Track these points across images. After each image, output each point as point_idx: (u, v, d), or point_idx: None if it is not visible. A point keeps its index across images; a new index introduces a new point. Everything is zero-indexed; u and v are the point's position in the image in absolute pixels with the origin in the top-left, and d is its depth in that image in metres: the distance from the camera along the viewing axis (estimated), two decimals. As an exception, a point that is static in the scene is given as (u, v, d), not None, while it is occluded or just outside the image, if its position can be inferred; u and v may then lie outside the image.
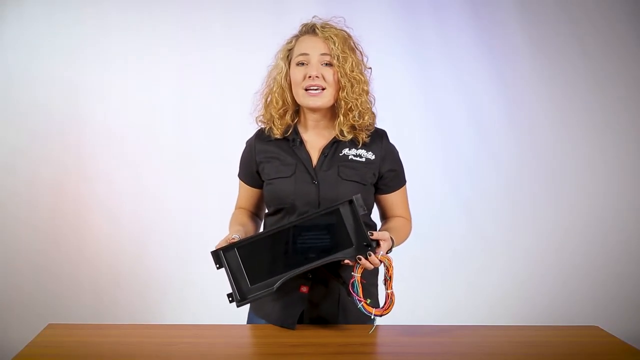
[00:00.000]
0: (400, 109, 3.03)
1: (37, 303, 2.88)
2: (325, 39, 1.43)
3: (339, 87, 1.44)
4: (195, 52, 2.97)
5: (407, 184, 1.58)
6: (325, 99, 1.44)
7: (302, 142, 1.49)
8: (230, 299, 1.33)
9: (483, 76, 3.12)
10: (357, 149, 1.48)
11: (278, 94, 1.47)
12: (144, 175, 2.97)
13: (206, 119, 2.99)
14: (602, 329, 1.50)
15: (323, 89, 1.43)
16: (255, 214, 1.62)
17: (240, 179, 1.60)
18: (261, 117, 1.54)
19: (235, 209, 1.63)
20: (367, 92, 1.47)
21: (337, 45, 1.42)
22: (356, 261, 1.32)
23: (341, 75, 1.42)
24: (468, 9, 3.08)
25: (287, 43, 1.49)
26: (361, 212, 1.32)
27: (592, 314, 2.99)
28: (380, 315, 1.34)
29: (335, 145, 1.48)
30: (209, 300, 2.81)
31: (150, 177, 2.97)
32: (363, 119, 1.46)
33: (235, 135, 2.85)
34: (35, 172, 2.90)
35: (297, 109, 1.52)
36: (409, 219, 1.58)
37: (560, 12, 3.11)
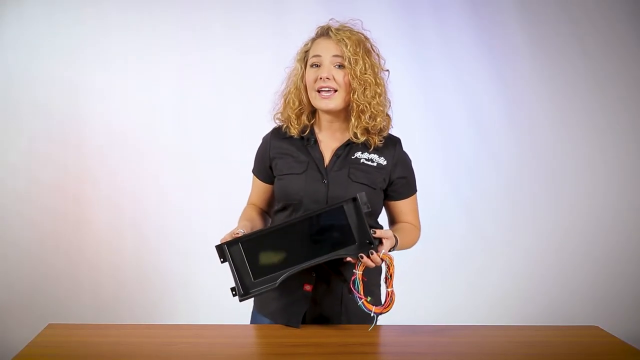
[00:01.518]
0: (400, 109, 3.01)
1: (37, 303, 2.88)
2: (338, 41, 1.44)
3: (351, 89, 1.44)
4: (195, 52, 2.97)
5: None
6: (336, 101, 1.45)
7: (316, 141, 1.50)
8: (234, 293, 1.34)
9: (483, 76, 3.12)
10: (370, 153, 1.49)
11: (294, 94, 1.49)
12: (144, 175, 2.97)
13: (206, 118, 2.99)
14: (602, 329, 1.50)
15: (335, 91, 1.44)
16: (265, 211, 1.63)
17: (253, 174, 1.62)
18: (279, 114, 1.55)
19: (247, 204, 1.64)
20: (381, 95, 1.47)
21: (349, 47, 1.42)
22: (358, 259, 1.32)
23: (352, 78, 1.43)
24: (468, 9, 3.08)
25: (304, 45, 1.51)
26: (365, 209, 1.32)
27: (592, 314, 2.99)
28: (380, 313, 1.34)
29: (348, 147, 1.49)
30: (211, 300, 2.82)
31: (150, 177, 2.97)
32: (375, 122, 1.46)
33: (235, 135, 2.87)
34: (35, 172, 2.90)
35: (314, 110, 1.53)
36: (417, 227, 1.58)
37: (560, 12, 3.11)
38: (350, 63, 1.42)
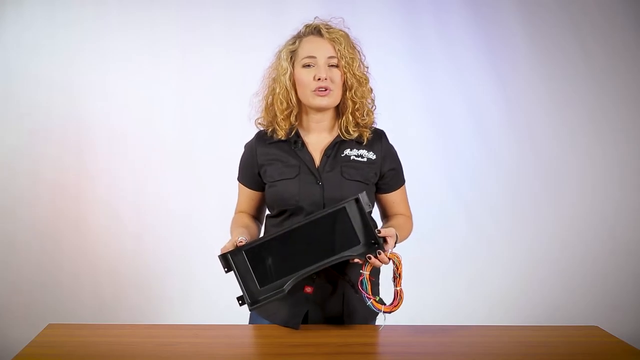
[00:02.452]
0: (401, 108, 3.03)
1: (37, 303, 2.88)
2: (332, 40, 1.43)
3: (345, 88, 1.45)
4: (195, 52, 2.97)
5: (407, 184, 1.59)
6: (332, 98, 1.45)
7: (303, 143, 1.49)
8: (241, 302, 1.33)
9: (483, 76, 3.12)
10: (359, 150, 1.49)
11: (282, 95, 1.46)
12: (144, 175, 2.97)
13: (206, 118, 2.99)
14: (602, 329, 1.50)
15: (330, 90, 1.44)
16: (256, 218, 1.61)
17: (240, 182, 1.59)
18: (261, 119, 1.54)
19: (236, 213, 1.62)
20: (371, 91, 1.50)
21: (343, 46, 1.43)
22: (365, 259, 1.32)
23: (349, 76, 1.43)
24: (468, 9, 3.09)
25: (290, 44, 1.48)
26: (367, 209, 1.32)
27: (592, 314, 2.99)
28: (389, 312, 1.34)
29: (336, 146, 1.49)
30: (211, 300, 2.82)
31: (150, 176, 2.98)
32: (369, 117, 1.49)
33: (235, 135, 2.85)
34: (35, 172, 2.90)
35: (299, 110, 1.51)
36: (409, 216, 1.59)
37: (561, 11, 3.11)
38: (346, 62, 1.43)
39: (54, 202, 2.92)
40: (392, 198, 1.56)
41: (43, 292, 2.90)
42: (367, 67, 1.51)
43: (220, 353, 1.31)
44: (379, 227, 1.47)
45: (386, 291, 1.43)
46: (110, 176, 2.95)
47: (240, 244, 1.33)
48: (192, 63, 2.97)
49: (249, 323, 1.58)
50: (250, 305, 1.33)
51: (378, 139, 1.52)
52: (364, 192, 1.34)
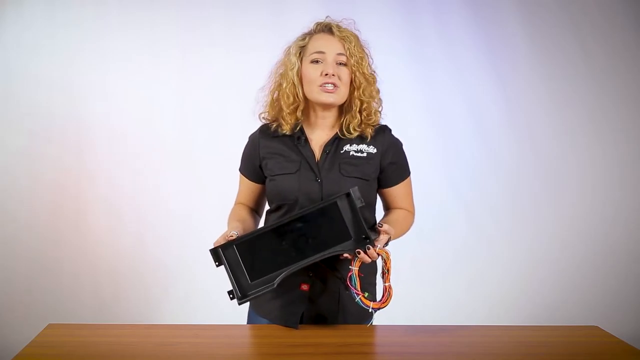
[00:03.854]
0: (401, 108, 3.03)
1: (37, 303, 2.88)
2: (342, 38, 1.44)
3: (353, 87, 1.46)
4: (195, 52, 2.97)
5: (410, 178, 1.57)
6: (339, 96, 1.45)
7: (307, 140, 1.49)
8: (231, 296, 1.33)
9: (483, 76, 3.12)
10: (359, 144, 1.49)
11: (289, 89, 1.47)
12: (144, 175, 2.97)
13: (206, 118, 3.00)
14: (602, 329, 1.50)
15: (337, 87, 1.44)
16: (254, 210, 1.62)
17: (241, 173, 1.60)
18: (265, 113, 1.54)
19: (235, 204, 1.63)
20: (379, 92, 1.50)
21: (353, 45, 1.44)
22: (354, 255, 1.32)
23: (358, 75, 1.44)
24: (469, 9, 3.09)
25: (300, 40, 1.49)
26: (359, 204, 1.31)
27: (592, 314, 2.99)
28: (378, 309, 1.34)
29: (336, 141, 1.49)
30: (210, 299, 2.81)
31: (150, 176, 2.98)
32: (375, 117, 1.49)
33: (234, 134, 2.86)
34: (35, 172, 2.90)
35: (305, 106, 1.51)
36: (411, 211, 1.57)
37: (560, 11, 3.11)
38: (356, 60, 1.44)
39: (54, 202, 2.92)
40: (393, 192, 1.54)
41: (43, 292, 2.90)
42: (374, 72, 1.52)
43: (220, 353, 1.31)
44: (379, 222, 1.46)
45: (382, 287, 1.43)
46: (110, 176, 2.95)
47: (231, 238, 1.33)
48: (192, 63, 2.97)
49: (247, 322, 1.58)
50: (239, 300, 1.33)
51: (381, 132, 1.51)
52: (356, 187, 1.33)
